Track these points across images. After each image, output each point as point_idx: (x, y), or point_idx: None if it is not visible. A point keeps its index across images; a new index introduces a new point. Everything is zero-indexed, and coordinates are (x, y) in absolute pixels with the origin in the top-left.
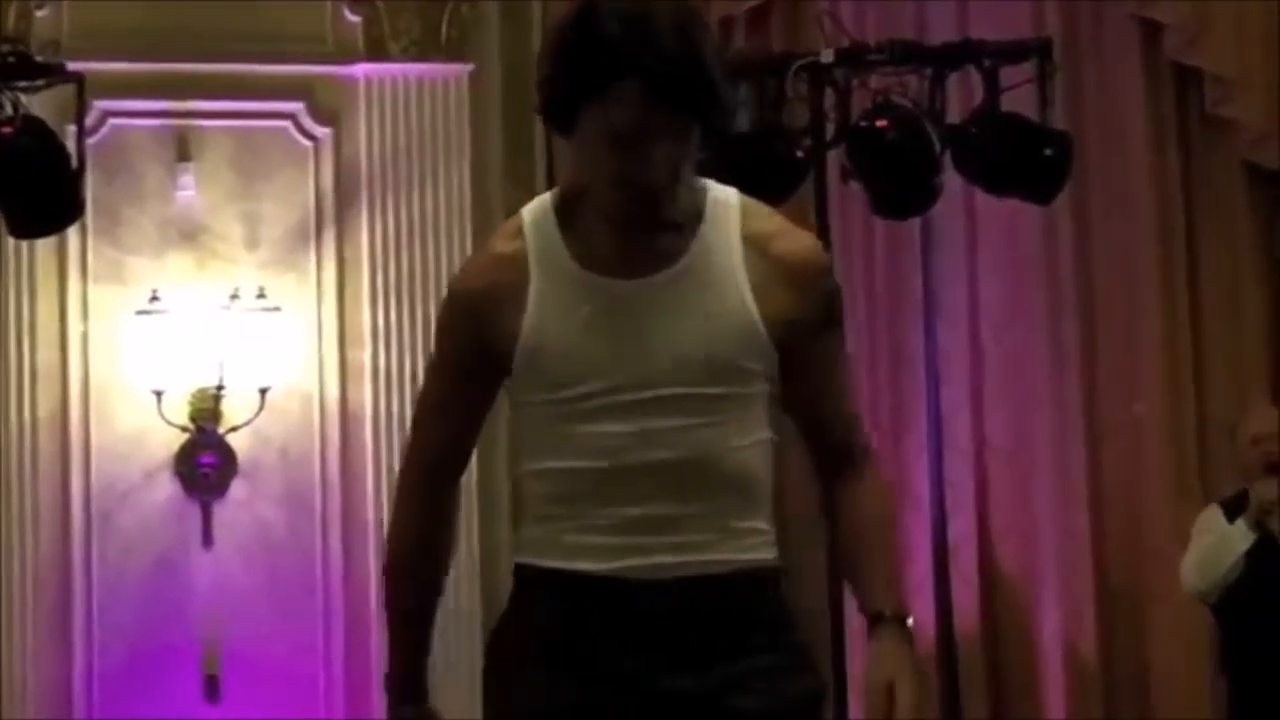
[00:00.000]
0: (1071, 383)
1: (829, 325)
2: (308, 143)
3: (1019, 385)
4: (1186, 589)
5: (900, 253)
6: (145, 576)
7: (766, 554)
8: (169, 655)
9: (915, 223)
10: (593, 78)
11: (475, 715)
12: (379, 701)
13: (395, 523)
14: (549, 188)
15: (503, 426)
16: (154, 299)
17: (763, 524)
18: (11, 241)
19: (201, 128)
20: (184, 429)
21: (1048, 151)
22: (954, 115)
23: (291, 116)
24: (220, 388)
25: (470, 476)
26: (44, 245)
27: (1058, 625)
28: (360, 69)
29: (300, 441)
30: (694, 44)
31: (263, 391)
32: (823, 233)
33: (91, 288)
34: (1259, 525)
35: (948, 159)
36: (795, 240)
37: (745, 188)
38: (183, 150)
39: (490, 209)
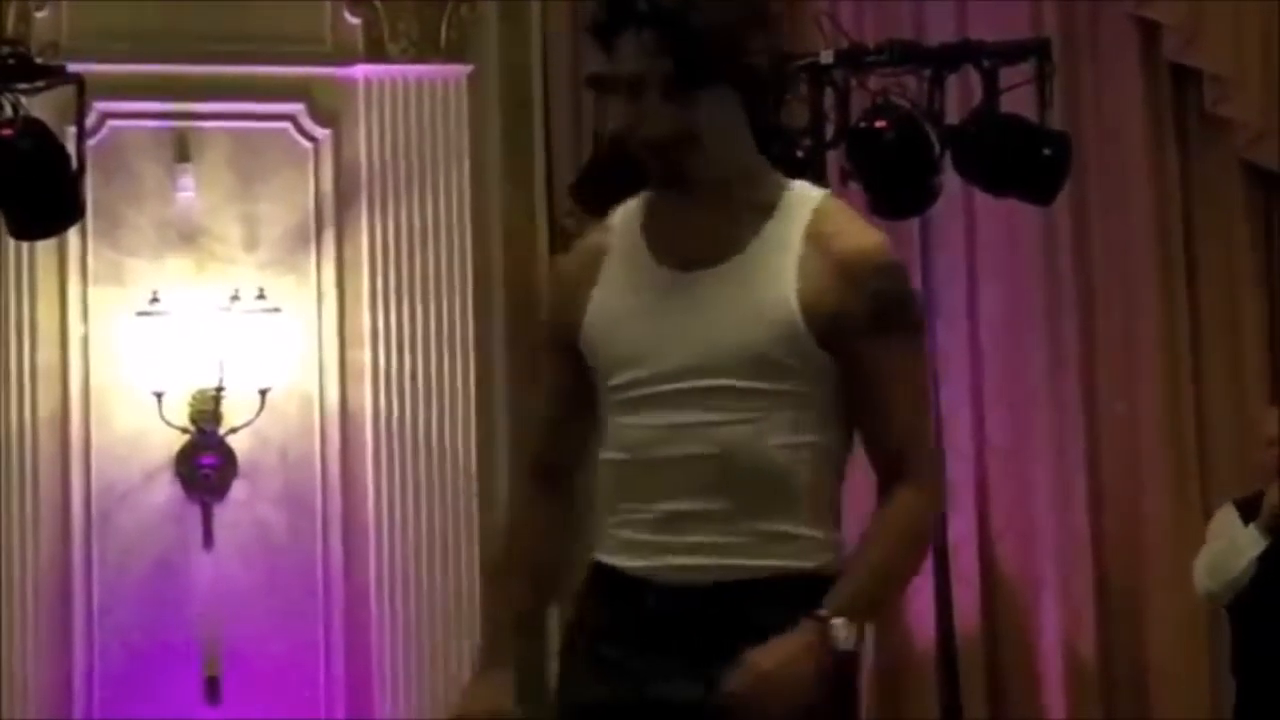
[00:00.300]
0: (1071, 383)
1: (880, 328)
2: (307, 144)
3: (1018, 385)
4: (1198, 590)
5: (899, 253)
6: (145, 577)
7: (802, 561)
8: (169, 656)
9: (914, 223)
10: (604, 33)
11: None
12: (379, 702)
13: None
14: (548, 188)
15: (502, 423)
16: (154, 300)
17: (804, 529)
18: (11, 243)
19: (201, 129)
20: (184, 430)
21: (1046, 152)
22: (953, 116)
23: (291, 118)
24: (220, 389)
25: (471, 475)
26: (44, 247)
27: (1057, 625)
28: (360, 70)
29: (300, 443)
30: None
31: (263, 393)
32: None
33: (91, 289)
34: (1271, 531)
35: (947, 159)
36: (854, 238)
37: None
38: (182, 151)
39: (489, 210)
